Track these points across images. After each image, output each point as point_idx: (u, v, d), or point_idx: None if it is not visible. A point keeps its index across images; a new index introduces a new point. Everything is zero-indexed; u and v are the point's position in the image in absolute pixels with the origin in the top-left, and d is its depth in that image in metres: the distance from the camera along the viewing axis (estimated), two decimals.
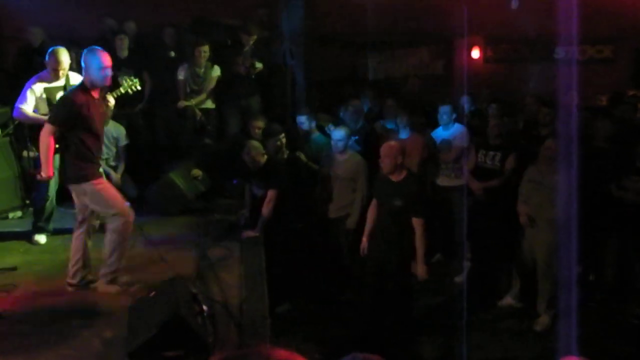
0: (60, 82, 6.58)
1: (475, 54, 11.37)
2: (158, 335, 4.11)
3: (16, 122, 6.87)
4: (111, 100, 6.62)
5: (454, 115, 7.68)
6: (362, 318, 6.14)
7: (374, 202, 6.27)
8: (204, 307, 4.72)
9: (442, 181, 7.64)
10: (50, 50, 6.58)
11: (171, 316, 4.18)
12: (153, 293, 4.55)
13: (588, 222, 5.56)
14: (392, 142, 6.17)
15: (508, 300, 6.89)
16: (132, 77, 7.01)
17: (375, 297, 6.05)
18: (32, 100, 6.48)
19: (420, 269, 5.91)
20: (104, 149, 8.02)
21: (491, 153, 7.11)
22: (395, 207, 5.87)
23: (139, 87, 6.97)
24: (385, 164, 5.89)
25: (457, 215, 7.22)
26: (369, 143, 7.67)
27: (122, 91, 6.80)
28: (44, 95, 6.53)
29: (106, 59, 5.53)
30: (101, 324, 4.90)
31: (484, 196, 7.10)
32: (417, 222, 5.81)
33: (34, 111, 6.52)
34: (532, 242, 6.53)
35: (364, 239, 6.26)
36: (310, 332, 6.19)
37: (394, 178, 5.91)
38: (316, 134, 7.74)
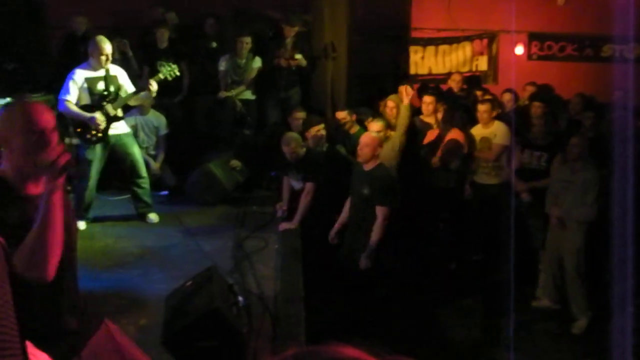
0: (101, 72, 6.65)
1: (519, 50, 11.20)
2: (193, 324, 4.11)
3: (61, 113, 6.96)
4: (154, 85, 6.68)
5: (495, 114, 7.55)
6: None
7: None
8: (240, 298, 4.72)
9: (482, 179, 7.52)
10: (93, 39, 6.66)
11: (206, 306, 4.18)
12: (189, 283, 4.56)
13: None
14: (373, 133, 6.26)
15: (545, 301, 6.78)
16: (170, 64, 7.06)
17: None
18: (74, 91, 6.57)
19: (363, 259, 5.85)
20: (144, 137, 8.12)
21: (537, 153, 6.98)
22: (363, 195, 5.91)
23: (177, 73, 7.03)
24: (364, 152, 5.93)
25: (497, 214, 7.11)
26: (408, 139, 7.59)
27: (161, 77, 6.86)
28: (85, 85, 6.62)
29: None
30: (137, 311, 4.93)
31: (529, 197, 6.99)
32: (379, 210, 5.82)
33: (75, 103, 6.61)
34: (559, 243, 6.41)
35: (336, 226, 6.35)
36: (344, 326, 6.16)
37: (366, 167, 5.97)
38: (356, 128, 7.69)
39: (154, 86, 6.69)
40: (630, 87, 7.52)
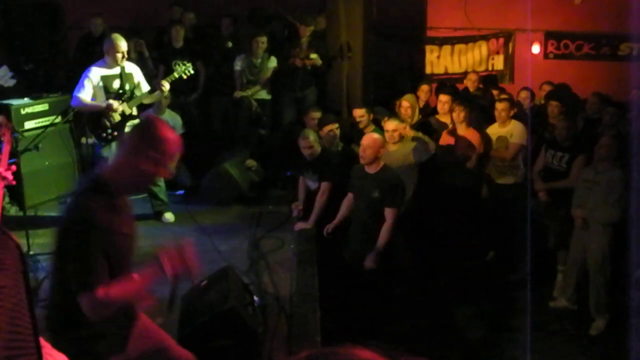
0: (116, 70, 6.68)
1: (536, 49, 11.13)
2: (208, 323, 4.12)
3: (75, 109, 7.00)
4: (166, 85, 6.71)
5: (512, 112, 7.51)
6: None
7: (349, 195, 6.28)
8: (255, 298, 4.73)
9: (499, 179, 7.49)
10: (108, 37, 6.71)
11: (222, 306, 4.19)
12: (205, 282, 4.57)
13: None
14: (375, 135, 6.18)
15: (562, 302, 6.73)
16: (185, 62, 7.09)
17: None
18: (89, 88, 6.60)
19: (369, 259, 5.80)
20: None
21: (559, 154, 6.91)
22: (373, 198, 5.85)
23: (191, 71, 7.05)
24: (367, 154, 5.88)
25: (514, 213, 7.08)
26: None
27: (176, 76, 6.90)
28: (101, 83, 6.65)
29: None
30: (153, 309, 4.93)
31: (547, 197, 6.96)
32: (389, 212, 5.79)
33: (91, 99, 6.64)
34: (584, 244, 6.37)
35: (334, 222, 6.33)
36: (359, 326, 6.16)
37: (370, 170, 5.92)
38: (372, 128, 7.67)
39: (166, 86, 6.72)
40: None
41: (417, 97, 8.62)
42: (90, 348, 3.00)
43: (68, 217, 2.96)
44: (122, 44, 6.60)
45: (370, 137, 6.02)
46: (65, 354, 2.65)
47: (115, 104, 6.62)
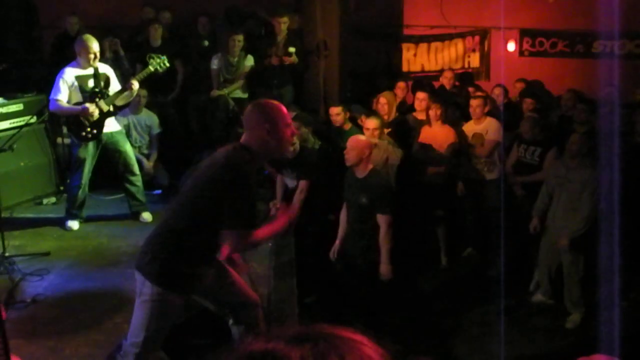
0: (90, 70, 6.64)
1: (511, 47, 11.23)
2: (186, 322, 4.12)
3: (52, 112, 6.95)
4: (135, 85, 6.66)
5: (487, 109, 7.58)
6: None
7: (345, 205, 6.09)
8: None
9: (475, 175, 7.55)
10: (80, 37, 6.66)
11: (199, 305, 4.18)
12: None
13: (625, 220, 5.47)
14: (360, 136, 6.06)
15: (539, 296, 6.81)
16: (159, 55, 7.04)
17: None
18: (65, 90, 6.56)
19: (384, 268, 5.62)
20: (136, 136, 8.12)
21: (531, 148, 7.05)
22: (361, 204, 5.68)
23: (167, 64, 6.99)
24: (350, 156, 5.68)
25: (490, 209, 7.15)
26: (401, 135, 7.62)
27: (151, 69, 6.83)
28: (76, 83, 6.61)
29: None
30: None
31: (522, 191, 7.05)
32: (381, 219, 5.60)
33: (67, 102, 6.60)
34: (558, 238, 6.44)
35: (337, 243, 6.08)
36: (338, 324, 6.18)
37: (359, 174, 5.72)
38: (349, 126, 7.69)
39: (135, 85, 6.67)
40: (615, 83, 7.55)
41: (395, 95, 8.66)
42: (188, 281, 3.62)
43: (221, 169, 3.55)
44: (94, 45, 6.56)
45: (354, 139, 5.86)
46: (160, 283, 3.50)
47: (91, 107, 6.56)
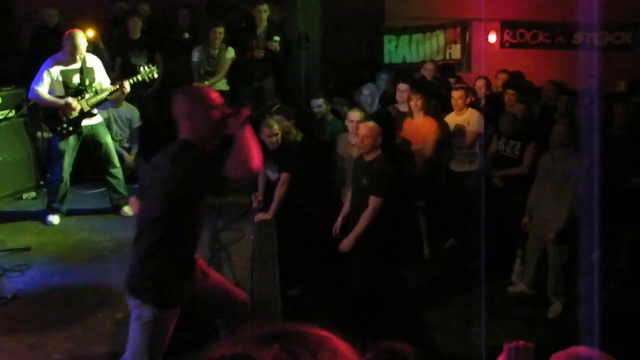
0: (77, 65, 6.58)
1: (492, 38, 11.27)
2: None
3: (31, 103, 6.87)
4: (127, 88, 6.64)
5: (469, 101, 7.60)
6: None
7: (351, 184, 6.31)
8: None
9: (457, 167, 7.58)
10: (67, 34, 6.58)
11: None
12: None
13: (604, 211, 5.51)
14: (371, 124, 6.15)
15: (520, 287, 6.85)
16: (150, 65, 7.02)
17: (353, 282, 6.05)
18: (48, 82, 6.49)
19: (345, 241, 5.88)
20: (117, 130, 8.07)
21: (512, 142, 7.07)
22: (362, 185, 5.90)
23: (156, 76, 6.99)
24: (365, 144, 5.90)
25: (471, 201, 7.18)
26: (384, 127, 7.61)
27: (140, 79, 6.81)
28: (60, 78, 6.54)
29: None
30: (113, 305, 4.91)
31: (503, 184, 7.11)
32: (372, 200, 5.80)
33: (49, 93, 6.53)
34: (543, 229, 6.48)
35: (339, 220, 6.32)
36: (320, 317, 6.18)
37: (367, 158, 5.95)
38: (331, 118, 7.69)
39: (127, 88, 6.64)
40: (595, 75, 7.60)
41: (377, 87, 8.67)
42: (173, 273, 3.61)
43: (170, 167, 3.53)
44: (82, 43, 6.49)
45: (367, 126, 6.00)
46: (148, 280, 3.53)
47: (74, 103, 6.51)
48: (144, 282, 3.56)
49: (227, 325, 3.98)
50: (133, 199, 4.19)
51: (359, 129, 6.15)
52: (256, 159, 3.51)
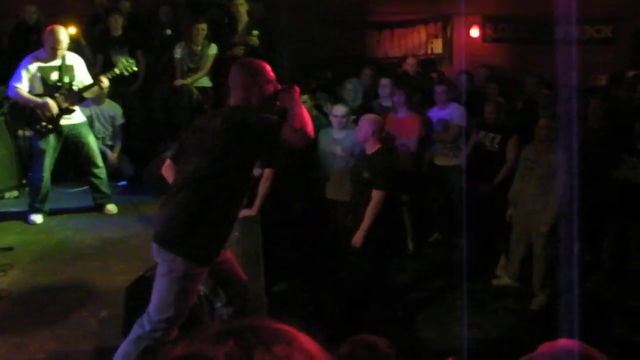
0: (57, 62, 6.54)
1: (474, 32, 11.31)
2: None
3: (12, 101, 6.82)
4: (104, 82, 6.59)
5: (451, 95, 7.63)
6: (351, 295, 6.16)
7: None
8: (200, 287, 4.71)
9: (440, 161, 7.62)
10: (49, 29, 6.52)
11: None
12: (149, 272, 4.53)
13: (585, 203, 5.56)
14: (373, 115, 6.22)
15: (505, 279, 6.90)
16: (128, 58, 6.97)
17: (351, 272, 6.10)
18: (26, 79, 6.43)
19: (356, 237, 5.88)
20: (100, 127, 8.02)
21: (491, 135, 7.10)
22: (363, 178, 5.91)
23: (135, 69, 6.94)
24: (361, 134, 5.97)
25: (455, 194, 7.21)
26: None
27: (117, 72, 6.76)
28: (39, 75, 6.49)
29: None
30: (97, 303, 4.89)
31: (486, 179, 7.14)
32: (375, 193, 5.81)
33: (29, 90, 6.48)
34: (528, 222, 6.52)
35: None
36: (306, 312, 6.20)
37: (368, 150, 5.97)
38: (315, 113, 7.68)
39: (104, 82, 6.59)
40: (576, 68, 7.65)
41: (360, 82, 8.68)
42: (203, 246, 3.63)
43: (225, 123, 3.60)
44: (63, 39, 6.44)
45: (368, 118, 6.04)
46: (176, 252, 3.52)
47: (50, 102, 6.46)
48: (183, 235, 3.58)
49: (228, 307, 4.06)
50: (167, 162, 4.17)
51: (360, 122, 6.12)
52: (310, 126, 3.64)
